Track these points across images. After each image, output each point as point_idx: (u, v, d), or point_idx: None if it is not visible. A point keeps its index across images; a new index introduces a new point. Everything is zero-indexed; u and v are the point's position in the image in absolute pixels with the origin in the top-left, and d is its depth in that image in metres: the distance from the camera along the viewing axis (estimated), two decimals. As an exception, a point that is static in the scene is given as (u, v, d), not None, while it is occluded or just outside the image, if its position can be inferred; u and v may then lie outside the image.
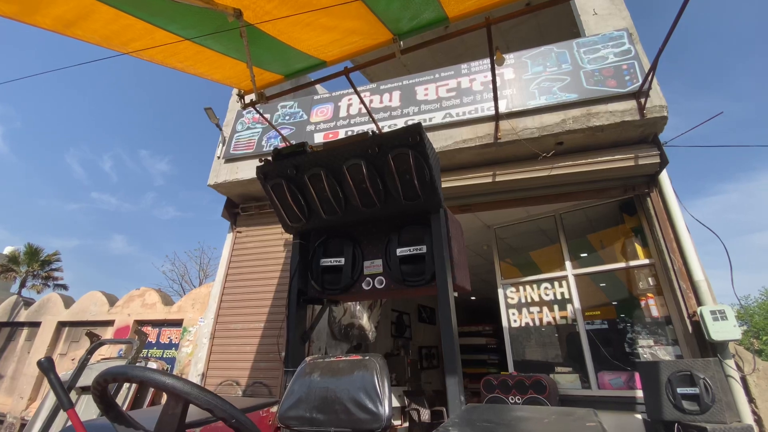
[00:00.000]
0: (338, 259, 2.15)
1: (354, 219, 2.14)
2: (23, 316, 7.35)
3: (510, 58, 4.67)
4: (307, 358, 1.66)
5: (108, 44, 2.84)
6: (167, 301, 6.27)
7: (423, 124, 4.78)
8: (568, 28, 6.48)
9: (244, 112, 6.00)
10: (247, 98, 4.11)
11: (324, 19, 2.95)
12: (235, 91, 4.10)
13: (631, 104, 3.94)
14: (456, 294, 1.96)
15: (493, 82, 3.74)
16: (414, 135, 1.80)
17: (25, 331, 7.29)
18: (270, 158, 2.11)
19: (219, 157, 5.62)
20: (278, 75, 3.99)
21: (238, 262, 5.47)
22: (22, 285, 20.50)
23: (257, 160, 2.72)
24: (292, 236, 2.34)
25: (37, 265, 20.81)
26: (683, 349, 3.80)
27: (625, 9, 4.55)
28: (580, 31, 4.85)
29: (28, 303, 7.67)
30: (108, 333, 6.58)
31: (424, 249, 1.97)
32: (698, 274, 3.68)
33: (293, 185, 2.13)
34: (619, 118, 3.91)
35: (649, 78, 3.77)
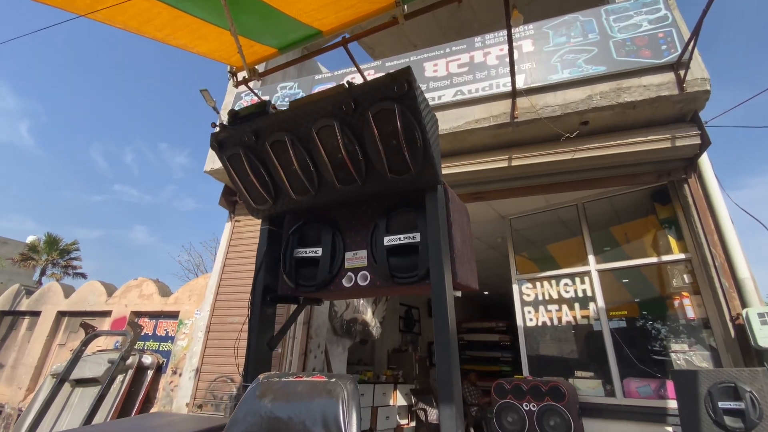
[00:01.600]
0: (315, 250, 1.80)
1: (332, 200, 1.77)
2: (24, 305, 7.26)
3: (529, 28, 4.20)
4: (261, 376, 1.32)
5: (72, 6, 2.52)
6: (164, 292, 6.05)
7: (431, 103, 4.35)
8: (592, 2, 5.92)
9: (243, 95, 5.66)
10: (240, 76, 3.76)
11: (314, -27, 2.56)
12: (227, 68, 3.74)
13: (669, 77, 3.45)
14: (459, 293, 1.57)
15: (510, 51, 3.29)
16: (400, 83, 1.38)
17: (26, 321, 7.20)
18: (226, 122, 1.74)
19: (215, 142, 5.31)
20: (271, 48, 3.62)
21: (236, 252, 5.19)
22: (42, 273, 20.97)
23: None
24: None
25: (56, 254, 21.20)
26: (723, 356, 3.35)
27: (662, -30, 4.01)
28: (609, -1, 4.33)
29: (30, 291, 7.58)
30: (105, 324, 6.42)
31: (417, 238, 1.57)
32: (743, 270, 3.22)
33: (253, 156, 1.73)
34: (655, 92, 3.43)
35: (691, 47, 3.27)
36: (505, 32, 4.35)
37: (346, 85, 1.47)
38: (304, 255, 1.84)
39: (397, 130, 1.44)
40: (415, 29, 7.37)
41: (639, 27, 3.73)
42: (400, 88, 1.39)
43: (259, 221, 1.99)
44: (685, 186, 3.68)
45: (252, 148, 1.73)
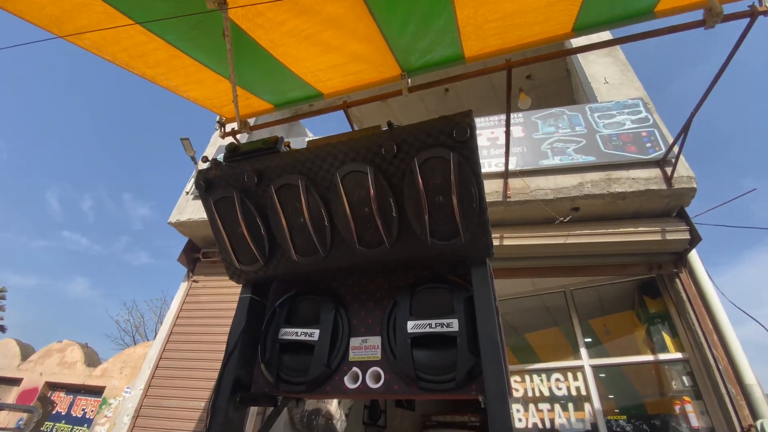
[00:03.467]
0: (309, 331, 1.36)
1: (345, 265, 1.40)
2: None
3: (518, 116, 4.38)
4: None
5: (57, 26, 2.31)
6: (91, 361, 5.08)
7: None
8: (567, 102, 6.48)
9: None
10: (229, 127, 3.57)
11: (327, 33, 2.52)
12: (216, 118, 3.55)
13: (655, 172, 3.57)
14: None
15: (507, 130, 3.33)
16: (461, 128, 1.12)
17: None
18: (221, 158, 1.42)
19: (187, 193, 4.93)
20: (267, 103, 3.50)
21: (188, 319, 4.52)
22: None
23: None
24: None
25: (-23, 301, 18.51)
26: (736, 475, 2.99)
27: (637, 80, 4.42)
28: (589, 99, 4.68)
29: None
30: (12, 394, 5.23)
31: (454, 326, 1.21)
32: (749, 376, 3.02)
33: (251, 202, 1.38)
34: (644, 186, 3.51)
35: (676, 152, 3.45)
36: (494, 117, 4.53)
37: (386, 126, 1.23)
38: (294, 338, 1.38)
39: (450, 184, 1.16)
40: (403, 110, 7.72)
41: (623, 125, 3.96)
42: (460, 134, 1.14)
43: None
44: (677, 281, 3.61)
45: (250, 192, 1.39)
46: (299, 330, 1.39)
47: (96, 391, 4.79)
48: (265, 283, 1.56)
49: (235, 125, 3.39)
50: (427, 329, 1.24)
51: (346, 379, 1.30)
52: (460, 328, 1.21)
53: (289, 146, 1.42)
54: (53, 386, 5.17)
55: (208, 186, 1.39)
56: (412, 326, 1.26)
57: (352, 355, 1.34)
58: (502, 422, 1.02)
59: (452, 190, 1.17)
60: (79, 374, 4.95)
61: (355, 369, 1.31)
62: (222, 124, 3.59)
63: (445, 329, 1.22)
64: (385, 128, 1.24)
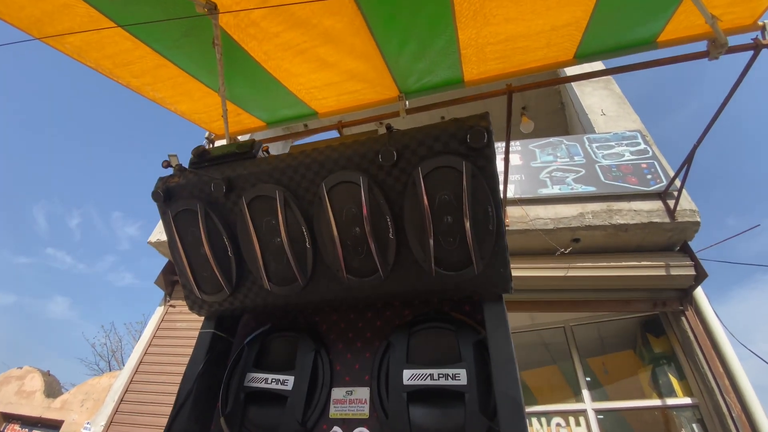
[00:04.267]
0: (281, 378, 1.12)
1: (326, 297, 1.16)
2: None
3: (516, 144, 4.31)
4: None
5: (37, 28, 2.17)
6: (51, 391, 4.65)
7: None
8: (561, 135, 6.49)
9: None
10: (218, 143, 3.42)
11: (324, 48, 2.42)
12: (205, 135, 3.40)
13: (657, 205, 3.47)
14: None
15: (506, 157, 3.21)
16: (477, 132, 0.93)
17: None
18: (182, 163, 1.22)
19: (171, 212, 4.70)
20: (259, 121, 3.37)
21: (161, 347, 4.19)
22: None
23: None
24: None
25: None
26: None
27: (634, 113, 4.41)
28: (585, 130, 4.65)
29: None
30: (-40, 429, 4.74)
31: (461, 378, 0.98)
32: (765, 426, 2.79)
33: (218, 217, 1.15)
34: (646, 218, 3.39)
35: (678, 185, 3.37)
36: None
37: (385, 128, 1.05)
38: (263, 386, 1.13)
39: (462, 201, 0.95)
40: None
41: (622, 156, 3.89)
42: (476, 140, 0.94)
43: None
44: (683, 319, 3.43)
45: (218, 205, 1.16)
46: (270, 376, 1.14)
47: (54, 426, 4.35)
48: (232, 316, 1.32)
49: (224, 143, 3.25)
50: (428, 381, 1.01)
51: None
52: (469, 381, 0.98)
53: (267, 151, 1.25)
54: (8, 417, 4.71)
55: (167, 196, 1.17)
56: (408, 377, 1.02)
57: (334, 411, 1.09)
58: None
59: (464, 209, 0.96)
60: (37, 405, 4.51)
61: (336, 429, 1.06)
62: (211, 141, 3.44)
63: (450, 382, 0.99)
64: (386, 130, 1.05)
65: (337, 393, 1.12)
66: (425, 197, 0.99)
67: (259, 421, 1.12)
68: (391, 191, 1.04)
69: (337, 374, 1.15)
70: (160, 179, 1.20)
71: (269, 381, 1.13)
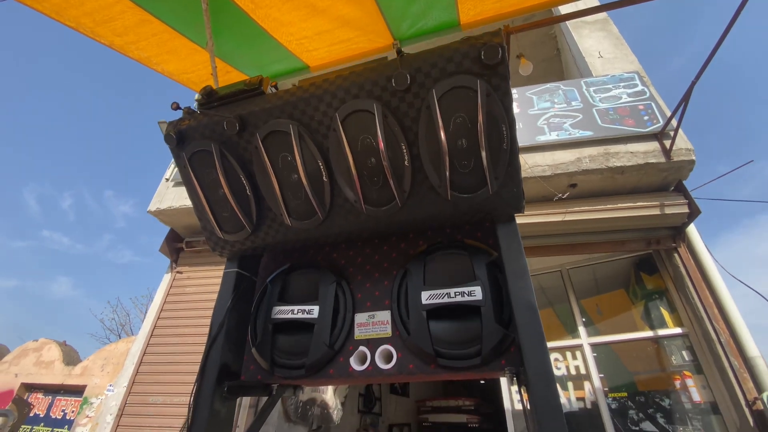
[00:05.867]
0: (306, 308, 1.18)
1: (345, 229, 1.19)
2: None
3: (513, 92, 4.23)
4: None
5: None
6: (70, 359, 4.82)
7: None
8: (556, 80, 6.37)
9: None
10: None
11: (313, -8, 2.31)
12: (195, 97, 3.29)
13: (654, 146, 3.49)
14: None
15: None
16: (490, 49, 0.92)
17: None
18: (193, 106, 1.21)
19: (167, 179, 4.66)
20: (249, 77, 3.28)
21: (172, 311, 4.30)
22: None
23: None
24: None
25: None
26: (739, 447, 2.97)
27: (632, 54, 4.32)
28: (582, 74, 4.57)
29: None
30: (-15, 400, 4.94)
31: (477, 294, 1.04)
32: (752, 348, 2.99)
33: (233, 156, 1.16)
34: (642, 159, 3.42)
35: (675, 125, 3.37)
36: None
37: (394, 52, 1.05)
38: (290, 317, 1.19)
39: (477, 121, 0.96)
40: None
41: (619, 99, 3.86)
42: (490, 56, 0.93)
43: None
44: (676, 255, 3.57)
45: (232, 144, 1.16)
46: (295, 307, 1.20)
47: (76, 391, 4.54)
48: (253, 255, 1.36)
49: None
50: (446, 299, 1.07)
51: (352, 360, 1.13)
52: (484, 297, 1.05)
53: (276, 87, 1.23)
54: (30, 387, 4.90)
55: (180, 139, 1.17)
56: (427, 297, 1.09)
57: (358, 333, 1.16)
58: (549, 400, 0.87)
59: (479, 130, 0.97)
60: (58, 374, 4.69)
61: (362, 348, 1.14)
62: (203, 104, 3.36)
63: (466, 298, 1.05)
64: (395, 54, 1.04)
65: (360, 317, 1.19)
66: (440, 120, 0.99)
67: (288, 348, 1.20)
68: (405, 117, 1.05)
69: (358, 301, 1.22)
70: (170, 123, 1.20)
71: (295, 312, 1.20)
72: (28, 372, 4.85)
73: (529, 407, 0.91)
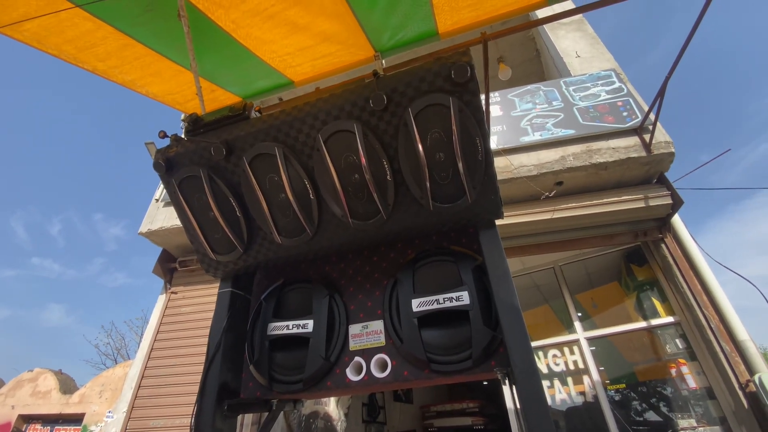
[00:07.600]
0: (301, 323, 1.21)
1: (335, 243, 1.25)
2: None
3: (495, 96, 4.33)
4: None
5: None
6: (67, 388, 4.74)
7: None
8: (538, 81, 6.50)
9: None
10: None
11: (293, 10, 2.36)
12: (181, 117, 3.32)
13: (634, 140, 3.58)
14: None
15: (486, 107, 3.25)
16: (460, 68, 0.98)
17: None
18: (179, 134, 1.25)
19: (157, 200, 4.66)
20: (235, 96, 3.30)
21: (169, 333, 4.27)
22: None
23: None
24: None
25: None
26: (736, 429, 3.03)
27: (607, 52, 4.45)
28: (561, 74, 4.68)
29: None
30: (-19, 435, 4.83)
31: (465, 299, 1.09)
32: (742, 332, 3.07)
33: (222, 180, 1.20)
34: (624, 154, 3.51)
35: (655, 111, 3.47)
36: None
37: (372, 74, 1.10)
38: (285, 332, 1.23)
39: (452, 135, 1.02)
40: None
41: (598, 96, 3.96)
42: (460, 75, 0.99)
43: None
44: (663, 246, 3.65)
45: (220, 168, 1.21)
46: (290, 323, 1.24)
47: (75, 419, 4.47)
48: (246, 274, 1.39)
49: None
50: (435, 306, 1.12)
51: (348, 371, 1.16)
52: (471, 301, 1.10)
53: (260, 111, 1.27)
54: (28, 419, 4.81)
55: (169, 166, 1.21)
56: (417, 304, 1.13)
57: (353, 344, 1.20)
58: (534, 395, 0.91)
59: (454, 143, 1.04)
60: (55, 403, 4.61)
61: (357, 359, 1.18)
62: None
63: (455, 303, 1.10)
64: (373, 77, 1.10)
65: (354, 329, 1.23)
66: (417, 135, 1.05)
67: (285, 363, 1.23)
68: (385, 135, 1.11)
69: (351, 313, 1.26)
70: (158, 151, 1.23)
71: (290, 327, 1.23)
72: (25, 403, 4.76)
73: (518, 404, 0.95)
